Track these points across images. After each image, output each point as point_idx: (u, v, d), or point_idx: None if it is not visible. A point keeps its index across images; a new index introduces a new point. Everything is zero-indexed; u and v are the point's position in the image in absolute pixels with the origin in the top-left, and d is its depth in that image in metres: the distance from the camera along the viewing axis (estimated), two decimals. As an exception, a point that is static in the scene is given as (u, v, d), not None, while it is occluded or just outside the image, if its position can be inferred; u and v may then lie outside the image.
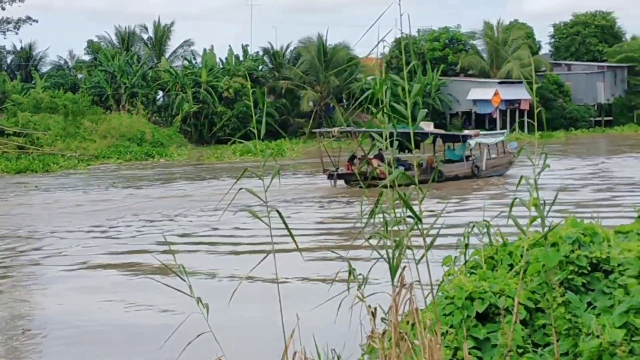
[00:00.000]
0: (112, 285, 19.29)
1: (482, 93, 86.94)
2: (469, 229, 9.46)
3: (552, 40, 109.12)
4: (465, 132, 50.07)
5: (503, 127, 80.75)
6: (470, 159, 45.76)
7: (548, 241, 8.72)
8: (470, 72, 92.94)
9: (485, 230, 9.36)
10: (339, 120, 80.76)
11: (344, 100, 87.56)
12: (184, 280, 6.52)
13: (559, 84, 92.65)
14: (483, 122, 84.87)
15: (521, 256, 8.73)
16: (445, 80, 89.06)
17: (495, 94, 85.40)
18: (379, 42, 6.82)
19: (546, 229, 7.70)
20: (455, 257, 9.57)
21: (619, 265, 8.96)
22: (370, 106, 6.94)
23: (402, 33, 6.89)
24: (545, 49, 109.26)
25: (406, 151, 38.74)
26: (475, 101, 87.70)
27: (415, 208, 6.60)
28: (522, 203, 7.48)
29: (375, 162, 38.07)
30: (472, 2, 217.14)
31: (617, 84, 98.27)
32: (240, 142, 65.91)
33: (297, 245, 6.79)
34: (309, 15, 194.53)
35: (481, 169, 44.77)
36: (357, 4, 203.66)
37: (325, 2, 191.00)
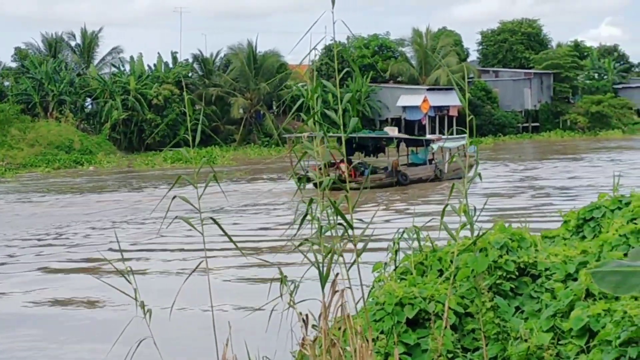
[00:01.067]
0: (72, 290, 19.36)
1: (411, 100, 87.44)
2: (399, 235, 9.52)
3: (480, 47, 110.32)
4: (428, 136, 52.51)
5: (432, 133, 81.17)
6: (433, 162, 47.30)
7: (477, 247, 8.82)
8: (399, 79, 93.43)
9: (415, 236, 9.43)
10: (269, 128, 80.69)
11: (274, 107, 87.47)
12: (130, 283, 6.57)
13: (487, 91, 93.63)
14: (412, 128, 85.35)
15: (451, 262, 8.81)
16: (374, 87, 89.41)
17: (424, 100, 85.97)
18: (313, 48, 6.85)
19: (476, 234, 7.80)
20: (386, 263, 9.62)
21: (546, 269, 9.10)
22: (301, 113, 6.97)
23: (334, 40, 6.93)
24: (473, 56, 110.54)
25: (371, 155, 44.02)
26: (404, 108, 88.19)
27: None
28: (453, 209, 7.56)
29: (343, 166, 39.61)
30: (400, 9, 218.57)
31: (543, 90, 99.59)
32: (167, 150, 65.43)
33: (236, 246, 6.79)
34: (238, 22, 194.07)
35: (444, 172, 46.14)
36: (286, 10, 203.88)
37: (254, 8, 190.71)
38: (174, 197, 6.81)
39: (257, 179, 51.49)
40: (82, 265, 23.06)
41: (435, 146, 47.24)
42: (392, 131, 51.09)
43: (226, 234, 6.71)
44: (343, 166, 39.28)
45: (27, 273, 22.02)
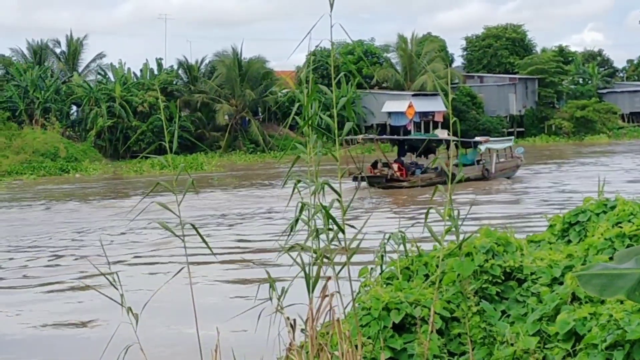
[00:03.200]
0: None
1: (396, 105, 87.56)
2: (385, 240, 9.52)
3: (465, 52, 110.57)
4: (477, 138, 54.67)
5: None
6: (481, 162, 50.38)
7: (463, 251, 8.83)
8: (384, 85, 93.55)
9: (401, 241, 9.45)
10: (254, 134, 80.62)
11: (260, 114, 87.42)
12: (117, 289, 6.57)
13: (472, 96, 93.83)
14: (397, 134, 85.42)
15: (437, 266, 8.82)
16: (360, 93, 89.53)
17: (410, 106, 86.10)
18: (310, 53, 6.88)
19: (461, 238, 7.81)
20: (372, 268, 9.63)
21: (531, 273, 9.13)
22: (296, 117, 6.98)
23: (332, 43, 6.94)
24: (458, 62, 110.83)
25: (422, 156, 48.22)
26: (389, 113, 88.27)
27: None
28: (437, 213, 7.57)
29: (395, 166, 44.21)
30: (385, 16, 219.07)
31: (528, 95, 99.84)
32: (149, 157, 65.28)
33: (211, 250, 6.79)
34: (222, 29, 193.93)
35: (491, 172, 49.47)
36: (270, 18, 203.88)
37: (238, 16, 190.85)
38: (151, 202, 6.81)
39: (254, 185, 51.46)
40: (69, 275, 22.78)
41: (483, 147, 49.92)
42: (443, 134, 55.26)
43: (203, 240, 6.71)
44: (395, 166, 43.94)
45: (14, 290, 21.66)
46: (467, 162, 50.02)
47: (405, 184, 43.35)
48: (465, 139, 56.87)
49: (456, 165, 48.50)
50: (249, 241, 27.85)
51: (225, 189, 49.94)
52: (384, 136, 49.93)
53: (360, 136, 50.47)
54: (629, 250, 4.50)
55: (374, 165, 47.21)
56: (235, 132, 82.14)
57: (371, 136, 55.02)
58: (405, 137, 61.87)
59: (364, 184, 45.48)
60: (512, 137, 61.98)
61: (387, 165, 45.91)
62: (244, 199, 43.43)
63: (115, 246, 27.09)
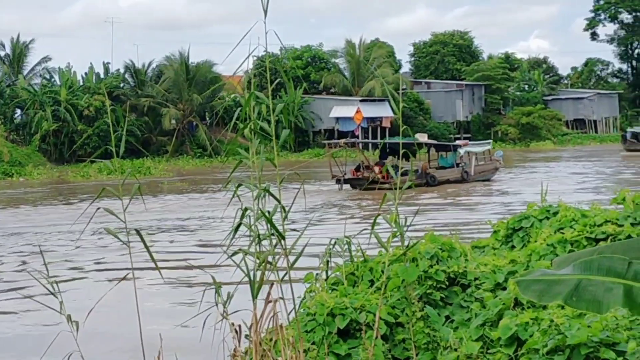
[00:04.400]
0: None
1: (344, 111, 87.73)
2: (331, 246, 9.52)
3: (412, 59, 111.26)
4: (456, 142, 57.95)
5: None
6: (460, 165, 52.09)
7: (408, 257, 8.88)
8: (332, 90, 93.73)
9: (346, 246, 9.46)
10: (202, 139, 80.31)
11: (208, 119, 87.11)
12: (56, 297, 6.50)
13: (420, 102, 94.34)
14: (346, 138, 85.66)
15: (382, 272, 8.85)
16: (307, 99, 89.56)
17: (357, 111, 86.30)
18: (246, 59, 6.86)
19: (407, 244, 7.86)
20: (317, 274, 9.63)
21: (475, 279, 9.20)
22: (237, 122, 6.97)
23: (266, 52, 6.94)
24: (406, 67, 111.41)
25: (403, 159, 46.59)
26: (337, 119, 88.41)
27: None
28: (384, 219, 7.59)
29: (376, 169, 45.87)
30: (333, 21, 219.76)
31: (475, 101, 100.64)
32: (96, 161, 64.71)
33: (153, 259, 6.76)
34: (170, 33, 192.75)
35: (470, 174, 51.16)
36: (218, 21, 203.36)
37: (187, 19, 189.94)
38: (98, 209, 6.75)
39: (204, 190, 51.30)
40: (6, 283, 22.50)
41: (462, 151, 52.01)
42: (422, 137, 56.76)
43: (146, 247, 6.66)
44: (377, 169, 45.66)
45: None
46: (447, 164, 52.42)
47: (386, 185, 43.95)
48: (445, 143, 60.15)
49: (436, 167, 51.44)
50: (199, 246, 27.81)
51: (176, 193, 49.75)
52: (366, 140, 52.98)
53: (343, 140, 53.23)
54: (567, 257, 4.56)
55: (357, 168, 48.92)
56: (182, 137, 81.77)
57: (353, 140, 57.98)
58: (388, 140, 63.44)
59: (346, 186, 47.76)
60: (490, 141, 64.42)
61: (369, 168, 47.76)
62: (196, 203, 43.32)
63: (70, 252, 26.91)
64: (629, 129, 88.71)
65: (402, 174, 48.31)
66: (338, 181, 48.12)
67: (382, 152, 52.27)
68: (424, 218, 30.32)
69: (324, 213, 36.15)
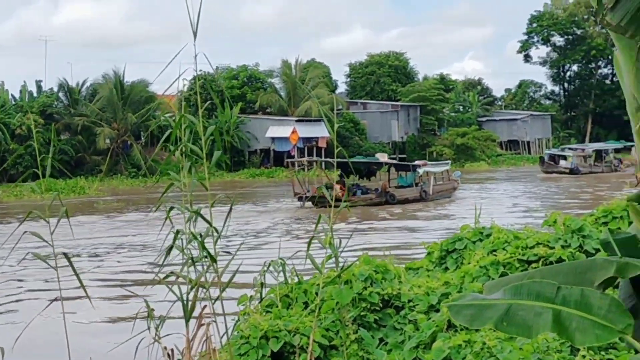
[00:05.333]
0: None
1: (280, 131, 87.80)
2: (265, 268, 9.49)
3: (348, 79, 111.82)
4: (416, 162, 58.76)
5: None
6: (419, 185, 53.66)
7: (342, 279, 8.87)
8: (268, 110, 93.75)
9: (280, 268, 9.44)
10: (137, 158, 79.72)
11: (142, 138, 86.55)
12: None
13: (355, 122, 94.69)
14: (282, 159, 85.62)
15: (316, 294, 8.84)
16: (243, 118, 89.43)
17: (293, 131, 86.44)
18: (177, 79, 6.83)
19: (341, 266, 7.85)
20: (251, 296, 9.59)
21: (409, 301, 9.23)
22: (168, 144, 6.92)
23: (196, 71, 6.92)
24: (342, 88, 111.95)
25: (364, 178, 53.65)
26: (273, 139, 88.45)
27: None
28: (319, 241, 7.58)
29: (337, 187, 46.00)
30: (269, 40, 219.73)
31: (410, 122, 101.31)
32: (24, 184, 63.80)
33: (81, 283, 6.67)
34: (104, 52, 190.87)
35: (428, 193, 52.82)
36: (153, 41, 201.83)
37: (122, 38, 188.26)
38: (24, 232, 6.65)
39: (138, 210, 50.92)
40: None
41: (421, 171, 53.66)
42: (383, 157, 60.22)
43: (74, 272, 6.59)
44: (338, 187, 45.61)
45: None
46: (406, 184, 54.15)
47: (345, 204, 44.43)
48: (405, 163, 60.91)
49: (396, 186, 52.57)
50: (131, 269, 27.52)
51: (110, 214, 49.26)
52: (328, 159, 54.87)
53: (305, 158, 56.62)
54: (497, 281, 4.60)
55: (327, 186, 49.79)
56: (116, 156, 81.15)
57: (315, 159, 60.27)
58: (350, 159, 64.04)
59: (308, 204, 48.67)
60: (449, 162, 66.06)
61: (329, 186, 48.46)
62: (132, 223, 42.94)
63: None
64: (546, 151, 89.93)
65: (364, 193, 49.76)
66: (300, 199, 49.59)
67: (343, 171, 53.13)
68: (362, 240, 30.34)
69: (270, 233, 36.12)
